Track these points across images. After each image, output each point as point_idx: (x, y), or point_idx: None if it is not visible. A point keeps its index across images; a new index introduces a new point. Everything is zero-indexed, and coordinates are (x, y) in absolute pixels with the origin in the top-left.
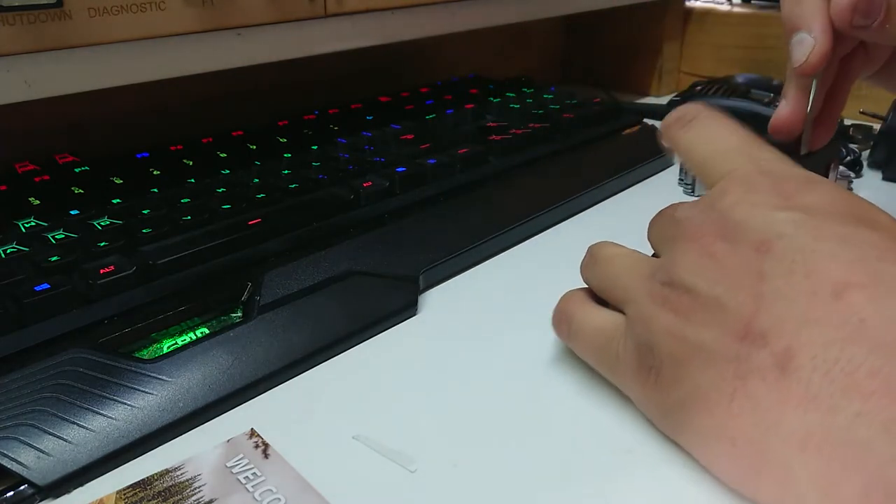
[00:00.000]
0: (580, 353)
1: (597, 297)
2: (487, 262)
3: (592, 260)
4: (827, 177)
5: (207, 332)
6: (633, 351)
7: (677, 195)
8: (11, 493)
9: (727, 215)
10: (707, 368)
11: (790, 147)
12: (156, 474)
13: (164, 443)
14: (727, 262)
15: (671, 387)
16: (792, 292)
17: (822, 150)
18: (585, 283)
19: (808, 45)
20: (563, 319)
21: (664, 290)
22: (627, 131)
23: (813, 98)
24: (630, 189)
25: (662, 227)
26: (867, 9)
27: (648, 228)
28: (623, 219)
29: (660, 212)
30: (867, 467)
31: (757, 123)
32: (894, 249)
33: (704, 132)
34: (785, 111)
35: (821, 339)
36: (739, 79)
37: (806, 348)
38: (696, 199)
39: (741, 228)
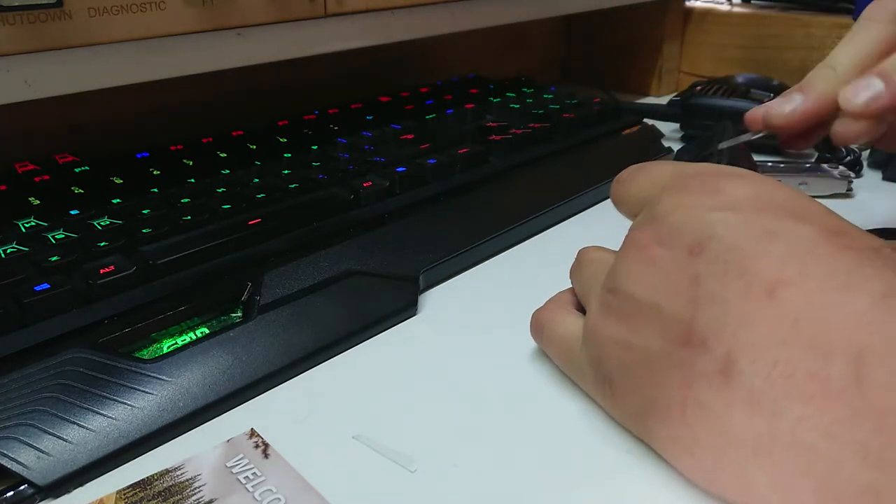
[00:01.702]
0: (553, 360)
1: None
2: (487, 262)
3: (576, 262)
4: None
5: (207, 332)
6: (588, 362)
7: None
8: (11, 493)
9: (663, 221)
10: (655, 378)
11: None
12: (156, 474)
13: (164, 443)
14: (663, 268)
15: (626, 398)
16: (727, 293)
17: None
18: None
19: (794, 102)
20: (537, 325)
21: (608, 298)
22: (627, 131)
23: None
24: None
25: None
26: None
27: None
28: (623, 219)
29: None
30: (816, 471)
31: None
32: (824, 242)
33: (637, 175)
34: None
35: (759, 342)
36: (739, 79)
37: (745, 352)
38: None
39: (675, 232)
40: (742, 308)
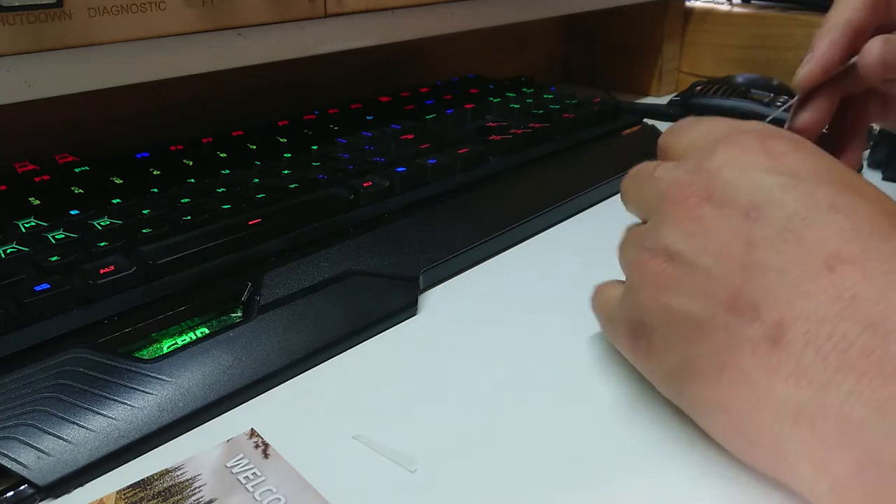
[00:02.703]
0: (599, 324)
1: None
2: (487, 262)
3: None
4: None
5: (207, 332)
6: (626, 320)
7: None
8: (11, 493)
9: (715, 177)
10: (695, 339)
11: None
12: (156, 474)
13: (164, 443)
14: (714, 228)
15: (663, 356)
16: (783, 262)
17: None
18: None
19: (804, 62)
20: (594, 294)
21: (649, 258)
22: (627, 131)
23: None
24: None
25: (641, 186)
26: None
27: (623, 188)
28: (622, 219)
29: (634, 170)
30: (860, 445)
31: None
32: (885, 222)
33: (692, 125)
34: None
35: (814, 314)
36: (739, 79)
37: (799, 322)
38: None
39: (729, 191)
40: (799, 278)
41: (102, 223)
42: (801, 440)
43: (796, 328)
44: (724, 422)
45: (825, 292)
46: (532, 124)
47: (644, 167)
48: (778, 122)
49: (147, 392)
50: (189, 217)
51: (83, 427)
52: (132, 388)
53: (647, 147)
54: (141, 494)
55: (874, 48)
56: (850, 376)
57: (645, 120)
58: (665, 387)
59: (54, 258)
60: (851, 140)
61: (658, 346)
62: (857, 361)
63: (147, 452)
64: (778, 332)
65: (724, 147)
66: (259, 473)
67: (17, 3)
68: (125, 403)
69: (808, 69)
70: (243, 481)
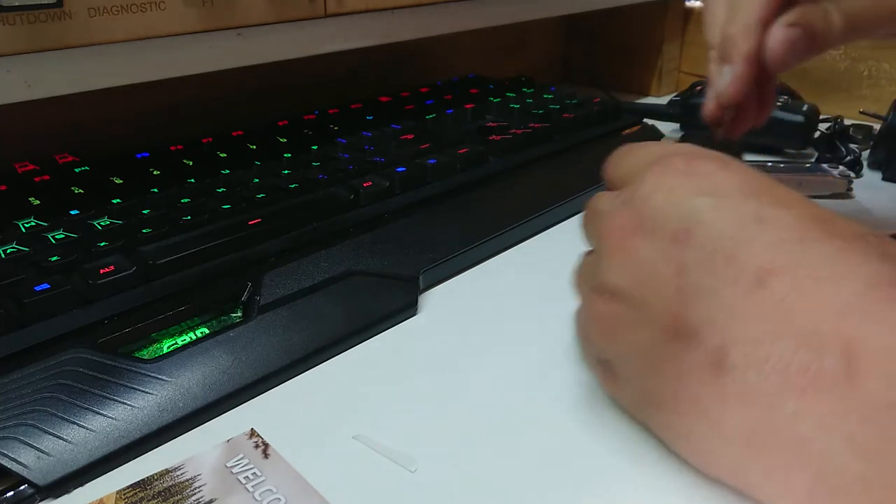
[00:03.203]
0: None
1: None
2: (487, 262)
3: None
4: None
5: (207, 332)
6: (590, 356)
7: None
8: (11, 493)
9: (644, 205)
10: (650, 370)
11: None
12: (156, 474)
13: (164, 443)
14: (646, 257)
15: (627, 388)
16: (715, 283)
17: (734, 144)
18: None
19: (726, 76)
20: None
21: (594, 298)
22: (627, 131)
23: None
24: None
25: (589, 221)
26: (797, 50)
27: (581, 224)
28: None
29: (587, 203)
30: (811, 463)
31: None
32: (811, 228)
33: (625, 155)
34: (720, 93)
35: (751, 334)
36: None
37: (737, 345)
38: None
39: (658, 218)
40: (732, 298)
41: (102, 223)
42: (759, 463)
43: (736, 351)
44: (686, 448)
45: (758, 310)
46: (532, 124)
47: (592, 201)
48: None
49: (147, 392)
50: (189, 217)
51: (83, 427)
52: (132, 388)
53: None
54: (141, 494)
55: (777, 38)
56: (792, 395)
57: (645, 120)
58: (636, 415)
59: (54, 258)
60: (762, 98)
61: (622, 378)
62: (796, 379)
63: (147, 452)
64: (720, 357)
65: (652, 173)
66: (259, 473)
67: (17, 3)
68: (125, 403)
69: (730, 91)
70: (243, 481)
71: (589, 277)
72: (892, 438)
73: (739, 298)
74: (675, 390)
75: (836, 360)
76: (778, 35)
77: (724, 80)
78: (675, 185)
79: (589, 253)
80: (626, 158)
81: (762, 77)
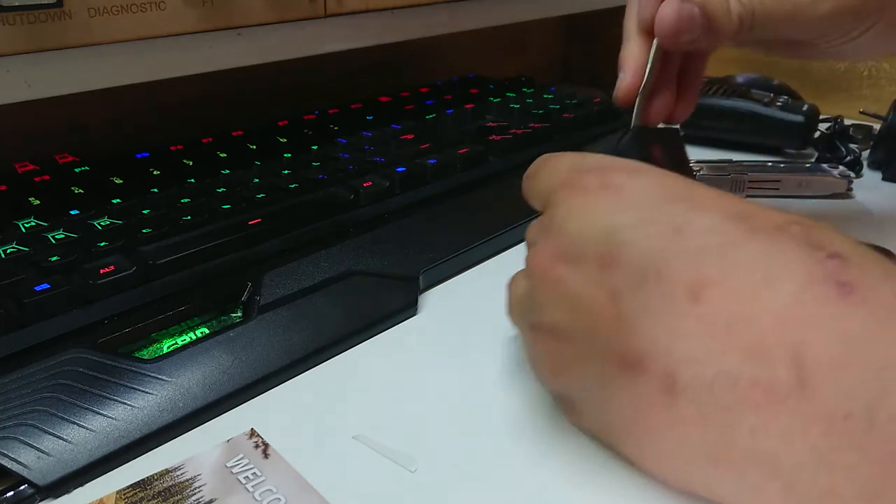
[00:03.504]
0: None
1: None
2: (487, 261)
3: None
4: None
5: (207, 332)
6: (547, 389)
7: None
8: (11, 493)
9: (561, 233)
10: (606, 402)
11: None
12: (156, 474)
13: (164, 443)
14: (577, 289)
15: (586, 417)
16: (650, 305)
17: (672, 151)
18: None
19: (620, 80)
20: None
21: (534, 337)
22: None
23: (648, 72)
24: None
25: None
26: (689, 26)
27: None
28: None
29: (525, 232)
30: (779, 476)
31: (756, 123)
32: (732, 230)
33: (539, 169)
34: (623, 82)
35: (694, 353)
36: (739, 79)
37: (683, 367)
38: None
39: (578, 245)
40: (669, 318)
41: (102, 223)
42: (729, 481)
43: (683, 373)
44: (658, 470)
45: (697, 327)
46: (532, 124)
47: (527, 230)
48: None
49: (147, 392)
50: (189, 217)
51: (83, 427)
52: (132, 388)
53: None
54: (141, 494)
55: (668, 9)
56: (748, 411)
57: None
58: (605, 442)
59: (54, 258)
60: (690, 71)
61: (579, 409)
62: (748, 395)
63: (147, 452)
64: (668, 382)
65: (564, 195)
66: (259, 473)
67: (17, 3)
68: (125, 403)
69: (621, 91)
70: (243, 481)
71: (525, 312)
72: (855, 449)
73: (677, 317)
74: (633, 419)
75: (786, 370)
76: (669, 7)
77: (622, 58)
78: (589, 206)
79: (515, 280)
80: (541, 171)
81: (670, 63)
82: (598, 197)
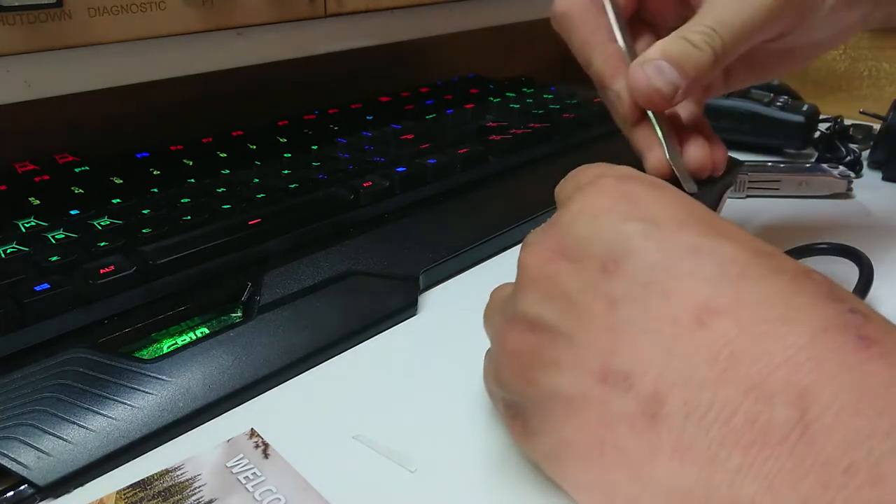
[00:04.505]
0: None
1: None
2: (487, 261)
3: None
4: (717, 205)
5: (207, 332)
6: (498, 398)
7: None
8: (11, 493)
9: (568, 228)
10: (570, 417)
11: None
12: (156, 474)
13: (164, 443)
14: (571, 286)
15: (539, 437)
16: (650, 321)
17: (719, 178)
18: None
19: (645, 163)
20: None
21: (508, 329)
22: None
23: (663, 138)
24: None
25: (521, 252)
26: (664, 83)
27: None
28: None
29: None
30: None
31: (757, 123)
32: (753, 264)
33: (572, 175)
34: (649, 163)
35: (691, 380)
36: None
37: (676, 391)
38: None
39: (583, 244)
40: (669, 339)
41: (102, 223)
42: None
43: (674, 398)
44: None
45: (700, 353)
46: (532, 124)
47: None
48: None
49: (147, 392)
50: (189, 217)
51: (83, 427)
52: (132, 388)
53: None
54: (141, 494)
55: (638, 82)
56: (737, 450)
57: None
58: (548, 468)
59: (54, 258)
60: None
61: (533, 426)
62: (742, 432)
63: (147, 452)
64: (654, 404)
65: (580, 195)
66: (259, 473)
67: (17, 3)
68: (125, 403)
69: (653, 172)
70: (243, 481)
71: (504, 307)
72: None
73: (678, 340)
74: (600, 440)
75: (789, 410)
76: (635, 76)
77: (633, 141)
78: (602, 209)
79: (501, 287)
80: (569, 176)
81: (675, 119)
82: (613, 200)
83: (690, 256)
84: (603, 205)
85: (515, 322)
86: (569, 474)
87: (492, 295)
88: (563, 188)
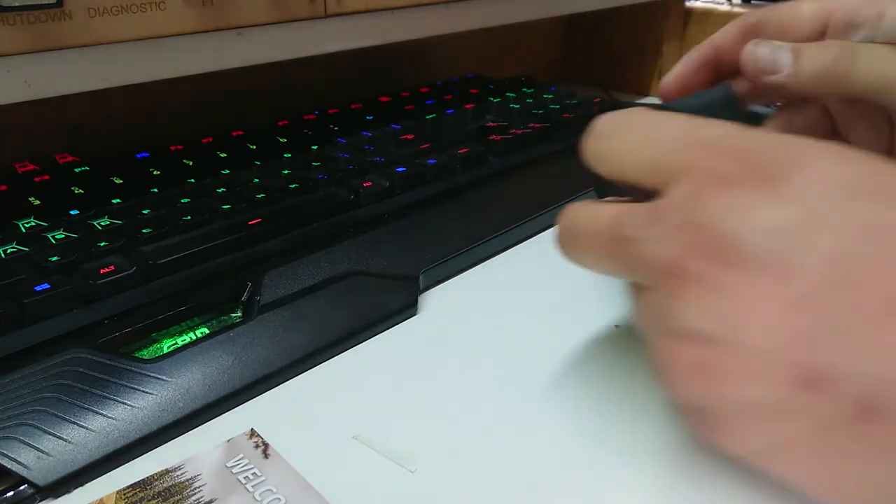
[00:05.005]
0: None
1: None
2: (487, 261)
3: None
4: None
5: (207, 332)
6: (677, 405)
7: None
8: (11, 493)
9: (715, 230)
10: (774, 423)
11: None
12: (156, 474)
13: (164, 443)
14: (742, 296)
15: (739, 440)
16: (840, 320)
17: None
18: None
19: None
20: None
21: (670, 343)
22: None
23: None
24: None
25: (605, 247)
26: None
27: (568, 243)
28: None
29: (575, 220)
30: None
31: (757, 123)
32: None
33: (633, 134)
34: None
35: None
36: None
37: (888, 389)
38: (638, 204)
39: (743, 246)
40: (866, 334)
41: (102, 223)
42: None
43: (887, 395)
44: (838, 499)
45: None
46: (532, 124)
47: (592, 218)
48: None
49: (147, 392)
50: (189, 217)
51: (83, 427)
52: (132, 388)
53: None
54: (141, 494)
55: (745, 49)
56: None
57: None
58: (763, 466)
59: (54, 258)
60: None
61: (731, 431)
62: None
63: (147, 452)
64: (866, 404)
65: (704, 185)
66: (259, 473)
67: (17, 3)
68: (125, 403)
69: (663, 82)
70: (243, 481)
71: (657, 317)
72: None
73: (875, 333)
74: (815, 442)
75: None
76: (745, 48)
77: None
78: (750, 204)
79: (635, 287)
80: (630, 138)
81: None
82: (757, 192)
83: (864, 237)
84: (748, 199)
85: (681, 337)
86: (785, 471)
87: (635, 294)
88: (636, 152)
